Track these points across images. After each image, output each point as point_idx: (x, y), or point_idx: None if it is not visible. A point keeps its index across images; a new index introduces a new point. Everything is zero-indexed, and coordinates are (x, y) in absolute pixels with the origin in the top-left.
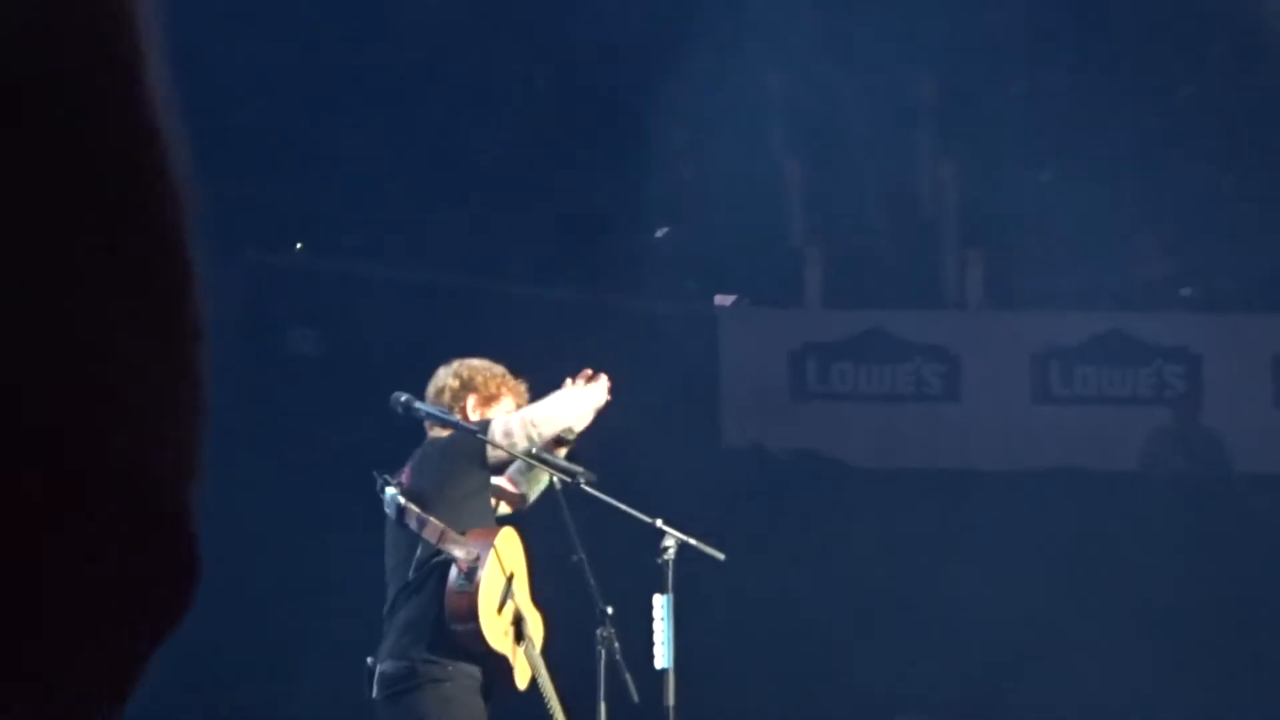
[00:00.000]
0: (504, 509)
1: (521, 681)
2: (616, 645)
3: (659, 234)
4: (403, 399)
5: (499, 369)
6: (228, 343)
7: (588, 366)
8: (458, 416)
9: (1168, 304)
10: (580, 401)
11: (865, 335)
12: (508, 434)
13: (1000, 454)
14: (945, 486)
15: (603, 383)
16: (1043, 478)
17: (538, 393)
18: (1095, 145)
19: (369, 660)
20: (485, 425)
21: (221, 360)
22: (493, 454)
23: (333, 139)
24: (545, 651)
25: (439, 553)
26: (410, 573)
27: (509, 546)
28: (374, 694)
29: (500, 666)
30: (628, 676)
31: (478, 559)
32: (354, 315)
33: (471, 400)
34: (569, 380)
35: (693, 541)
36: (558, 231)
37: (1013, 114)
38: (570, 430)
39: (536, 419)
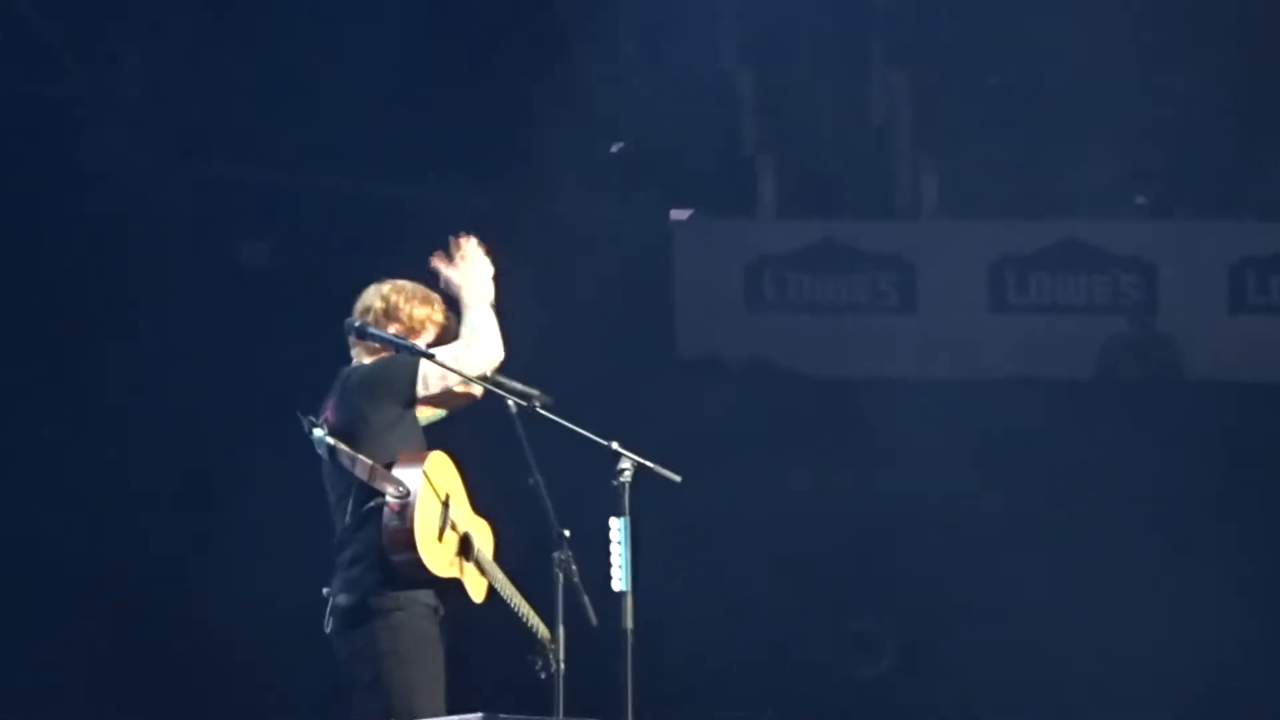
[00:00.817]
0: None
1: (477, 595)
2: (574, 568)
3: (614, 149)
4: (356, 324)
5: (434, 298)
6: (177, 255)
7: (535, 280)
8: (415, 342)
9: (1123, 212)
10: (481, 291)
11: (820, 246)
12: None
13: (956, 363)
14: (901, 396)
15: (470, 243)
16: (999, 386)
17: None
18: (1048, 51)
19: (324, 591)
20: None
21: (171, 273)
22: (433, 385)
23: (278, 48)
24: (498, 559)
25: (374, 493)
26: (347, 517)
27: (439, 470)
28: (328, 628)
29: (452, 589)
30: (585, 599)
31: (408, 495)
32: (304, 227)
33: (393, 330)
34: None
35: (649, 464)
36: (508, 142)
37: (965, 19)
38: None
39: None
